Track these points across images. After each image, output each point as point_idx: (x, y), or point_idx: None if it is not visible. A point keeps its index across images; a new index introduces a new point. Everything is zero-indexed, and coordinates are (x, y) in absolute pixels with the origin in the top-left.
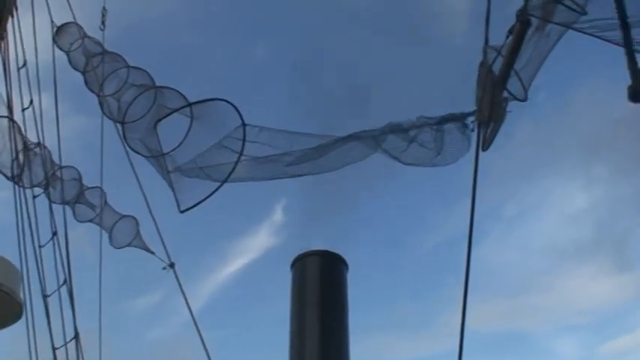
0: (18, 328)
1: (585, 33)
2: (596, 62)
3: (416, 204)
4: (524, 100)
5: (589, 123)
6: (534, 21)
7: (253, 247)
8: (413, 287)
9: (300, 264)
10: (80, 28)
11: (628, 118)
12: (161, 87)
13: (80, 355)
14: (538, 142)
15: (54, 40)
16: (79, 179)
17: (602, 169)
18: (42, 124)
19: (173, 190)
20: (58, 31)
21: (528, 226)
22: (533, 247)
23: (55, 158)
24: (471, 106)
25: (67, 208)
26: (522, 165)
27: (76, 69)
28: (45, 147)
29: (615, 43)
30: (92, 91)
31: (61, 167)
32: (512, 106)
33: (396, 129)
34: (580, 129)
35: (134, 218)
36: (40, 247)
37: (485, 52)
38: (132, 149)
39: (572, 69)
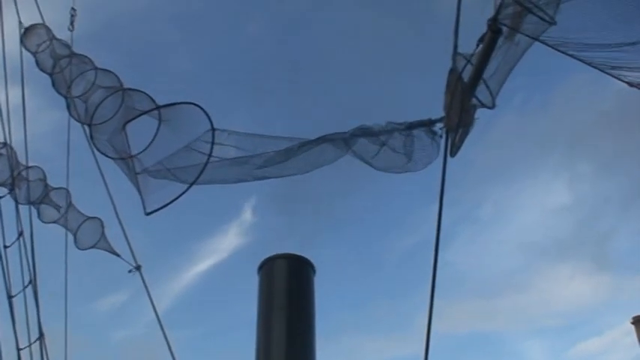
0: None
1: (558, 50)
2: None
3: (391, 206)
4: (492, 107)
5: (571, 120)
6: (505, 30)
7: (221, 249)
8: (387, 289)
9: (267, 267)
10: (48, 29)
11: (611, 114)
12: (129, 89)
13: (45, 356)
14: (519, 141)
15: (21, 41)
16: (44, 179)
17: (583, 167)
18: (9, 124)
19: (140, 192)
20: (26, 33)
21: (505, 227)
22: (510, 248)
23: (22, 159)
24: (440, 113)
25: (34, 210)
26: (500, 166)
27: (43, 71)
28: (11, 148)
29: (587, 63)
30: (59, 93)
31: (27, 167)
32: (480, 112)
33: (367, 132)
34: (562, 127)
35: (99, 220)
36: (5, 247)
37: (454, 60)
38: (99, 151)
39: (555, 65)
